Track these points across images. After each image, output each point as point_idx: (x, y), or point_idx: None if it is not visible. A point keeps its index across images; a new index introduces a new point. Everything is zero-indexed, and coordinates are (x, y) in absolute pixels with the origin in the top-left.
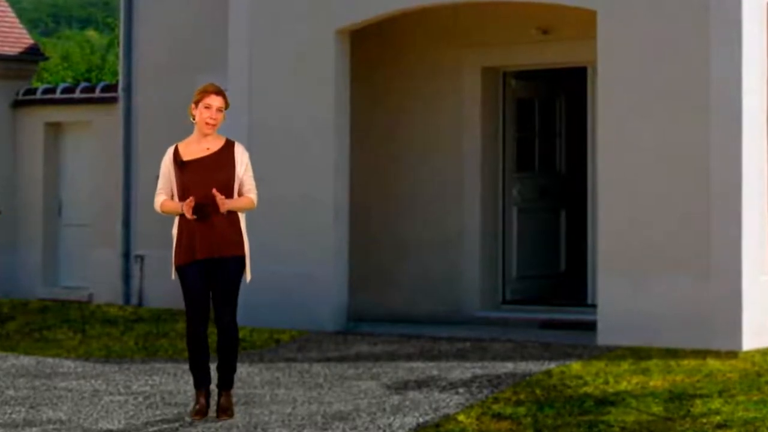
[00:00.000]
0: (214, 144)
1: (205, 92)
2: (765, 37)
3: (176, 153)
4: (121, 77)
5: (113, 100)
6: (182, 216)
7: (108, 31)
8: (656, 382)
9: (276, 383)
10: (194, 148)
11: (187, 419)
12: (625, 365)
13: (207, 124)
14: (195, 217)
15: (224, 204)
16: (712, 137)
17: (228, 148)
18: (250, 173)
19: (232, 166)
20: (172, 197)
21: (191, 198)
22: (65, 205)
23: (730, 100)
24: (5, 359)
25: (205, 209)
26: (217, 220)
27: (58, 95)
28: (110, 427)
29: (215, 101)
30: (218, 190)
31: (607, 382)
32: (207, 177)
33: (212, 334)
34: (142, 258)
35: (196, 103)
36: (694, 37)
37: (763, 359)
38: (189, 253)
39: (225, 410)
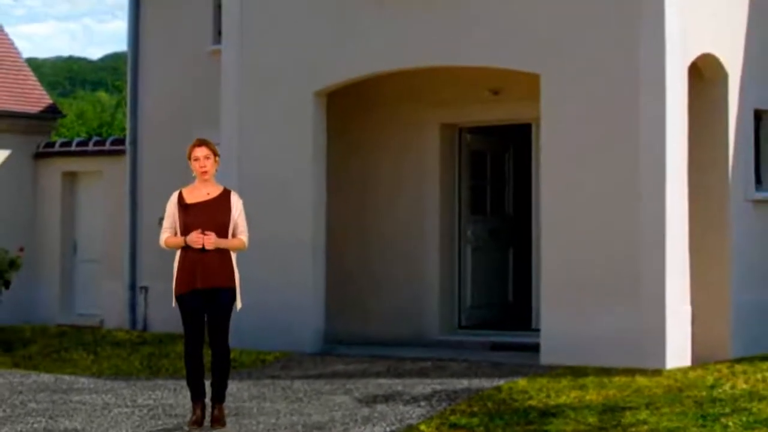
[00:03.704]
0: (213, 191)
1: (192, 147)
2: (685, 94)
3: (180, 197)
4: (128, 132)
5: (121, 153)
6: (182, 250)
7: (117, 93)
8: (591, 396)
9: (262, 397)
10: (196, 194)
11: (186, 428)
12: (564, 382)
13: (201, 172)
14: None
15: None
16: (641, 183)
17: (225, 194)
18: (243, 218)
19: (228, 210)
20: (175, 234)
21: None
22: (79, 243)
23: (656, 150)
24: (28, 377)
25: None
26: (212, 256)
27: (73, 148)
28: None
29: (201, 152)
30: (216, 231)
31: (549, 396)
32: (207, 218)
33: (207, 355)
34: (146, 289)
35: (189, 158)
36: (625, 96)
37: (684, 376)
38: (188, 283)
39: (218, 421)
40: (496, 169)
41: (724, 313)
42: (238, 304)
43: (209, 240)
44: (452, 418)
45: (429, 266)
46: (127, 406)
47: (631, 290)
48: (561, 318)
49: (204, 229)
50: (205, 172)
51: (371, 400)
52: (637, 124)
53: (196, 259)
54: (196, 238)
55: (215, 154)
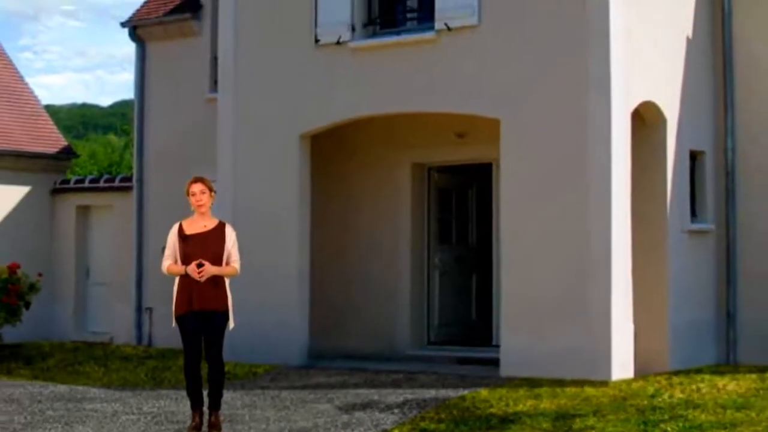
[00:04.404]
0: (210, 223)
1: (190, 183)
2: (629, 137)
3: (180, 228)
4: (135, 171)
5: (129, 189)
6: (181, 276)
7: (125, 136)
8: (546, 404)
9: (253, 406)
10: (194, 226)
11: None
12: (521, 392)
13: (197, 206)
14: (201, 272)
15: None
16: (589, 216)
17: (220, 227)
18: (236, 248)
19: (223, 241)
20: (175, 262)
21: (194, 263)
22: (92, 269)
23: (602, 187)
24: (46, 387)
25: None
26: (207, 281)
27: (86, 184)
28: None
29: (197, 187)
30: (211, 259)
31: (507, 405)
32: (204, 248)
33: (204, 368)
34: (150, 310)
35: (187, 193)
36: (575, 139)
37: (627, 387)
38: (186, 305)
39: (215, 426)
40: (461, 204)
41: (662, 331)
42: (231, 324)
43: (204, 276)
44: (422, 424)
45: (401, 289)
46: (133, 414)
47: (581, 310)
48: (518, 335)
49: (201, 257)
50: (201, 206)
51: (350, 408)
52: (585, 164)
53: (193, 284)
54: (194, 272)
55: (210, 190)
